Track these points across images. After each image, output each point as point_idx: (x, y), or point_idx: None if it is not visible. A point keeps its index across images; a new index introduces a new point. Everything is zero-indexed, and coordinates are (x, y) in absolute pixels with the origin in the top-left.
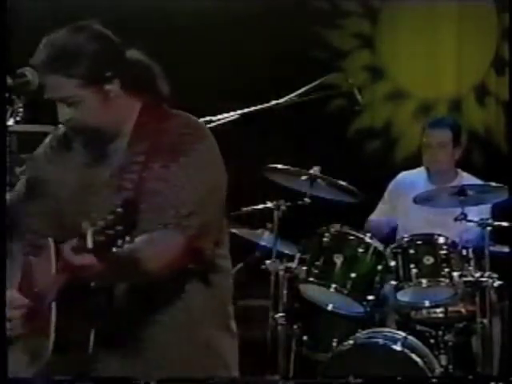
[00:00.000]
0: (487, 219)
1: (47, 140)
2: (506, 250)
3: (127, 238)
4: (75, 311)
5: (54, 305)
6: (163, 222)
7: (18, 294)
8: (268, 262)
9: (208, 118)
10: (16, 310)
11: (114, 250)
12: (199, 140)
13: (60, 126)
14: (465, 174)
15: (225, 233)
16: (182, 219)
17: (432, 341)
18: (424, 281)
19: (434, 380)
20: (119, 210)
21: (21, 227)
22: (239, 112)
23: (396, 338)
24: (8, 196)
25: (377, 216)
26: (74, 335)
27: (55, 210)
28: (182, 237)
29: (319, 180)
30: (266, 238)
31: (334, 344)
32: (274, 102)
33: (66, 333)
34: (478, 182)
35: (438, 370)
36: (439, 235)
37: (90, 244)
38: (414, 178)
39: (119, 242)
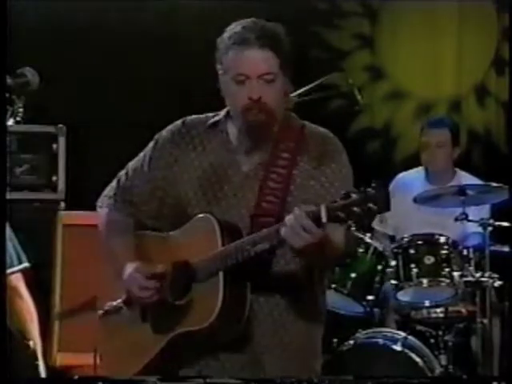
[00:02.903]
0: (487, 219)
1: (177, 126)
2: (507, 249)
3: (368, 220)
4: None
5: (221, 275)
6: None
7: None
8: None
9: None
10: (152, 280)
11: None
12: (342, 152)
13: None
14: (463, 174)
15: None
16: None
17: (432, 341)
18: (424, 281)
19: (434, 380)
20: (369, 190)
21: (136, 204)
22: None
23: (396, 337)
24: (130, 165)
25: (379, 220)
26: (236, 303)
27: (180, 195)
28: (344, 231)
29: None
30: None
31: (334, 344)
32: None
33: (230, 300)
34: (477, 181)
35: (438, 370)
36: (440, 235)
37: (324, 218)
38: (412, 179)
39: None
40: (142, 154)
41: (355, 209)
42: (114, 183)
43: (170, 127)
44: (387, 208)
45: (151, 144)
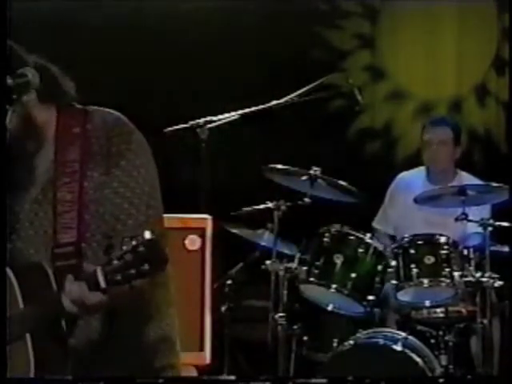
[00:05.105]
0: (488, 219)
1: None
2: (507, 250)
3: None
4: (50, 341)
5: (28, 337)
6: (122, 234)
7: None
8: (268, 262)
9: (208, 118)
10: None
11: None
12: (129, 137)
13: None
14: (464, 174)
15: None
16: (144, 227)
17: (432, 341)
18: (425, 281)
19: (434, 380)
20: (141, 249)
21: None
22: (239, 112)
23: (396, 338)
24: None
25: (379, 219)
26: (51, 363)
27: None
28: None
29: (319, 180)
30: (266, 238)
31: (334, 344)
32: (274, 102)
33: (43, 361)
34: (478, 181)
35: (439, 370)
36: (440, 235)
37: (102, 284)
38: (413, 178)
39: (137, 280)
40: None
41: (132, 271)
42: None
43: None
44: (162, 268)
45: None
